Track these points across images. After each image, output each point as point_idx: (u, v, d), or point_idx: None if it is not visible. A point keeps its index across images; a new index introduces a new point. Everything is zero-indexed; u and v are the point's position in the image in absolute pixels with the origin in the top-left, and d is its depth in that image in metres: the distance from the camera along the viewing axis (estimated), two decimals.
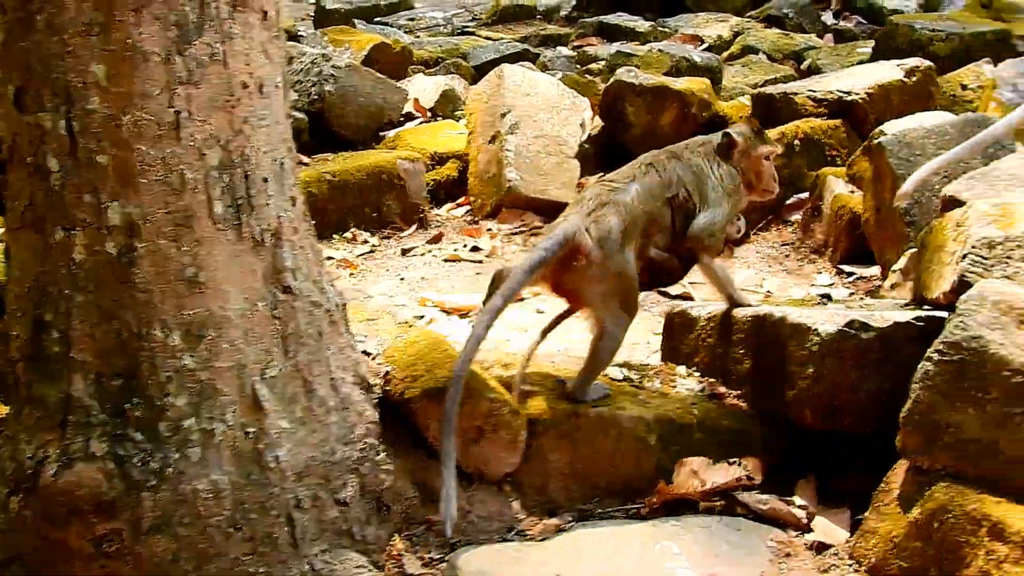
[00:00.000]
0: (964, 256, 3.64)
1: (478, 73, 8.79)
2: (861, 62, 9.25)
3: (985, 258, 3.61)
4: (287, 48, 7.76)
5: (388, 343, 3.84)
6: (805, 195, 6.48)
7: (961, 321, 3.35)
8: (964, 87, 7.77)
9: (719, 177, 4.12)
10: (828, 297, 4.82)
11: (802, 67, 9.73)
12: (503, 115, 6.99)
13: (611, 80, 7.26)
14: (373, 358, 3.79)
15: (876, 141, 5.60)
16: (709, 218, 4.05)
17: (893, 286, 5.06)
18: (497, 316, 3.61)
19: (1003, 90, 7.14)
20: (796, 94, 6.88)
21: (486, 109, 7.17)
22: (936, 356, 3.35)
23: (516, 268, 3.75)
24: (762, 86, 8.84)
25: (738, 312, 4.14)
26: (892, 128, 5.83)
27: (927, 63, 6.90)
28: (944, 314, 3.60)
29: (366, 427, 3.54)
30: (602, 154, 7.18)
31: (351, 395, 3.53)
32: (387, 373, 3.71)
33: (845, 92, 6.74)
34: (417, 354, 3.73)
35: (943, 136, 5.57)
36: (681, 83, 7.17)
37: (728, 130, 4.23)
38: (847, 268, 5.95)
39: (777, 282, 6.01)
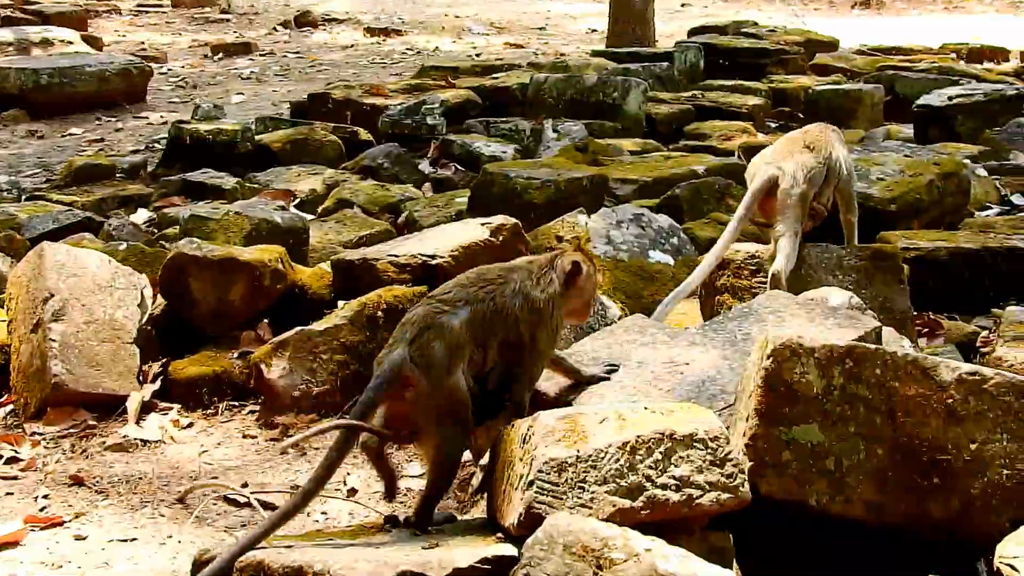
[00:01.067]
0: (531, 482, 3.01)
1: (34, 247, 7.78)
2: (459, 212, 8.81)
3: (555, 484, 3.00)
4: None
5: None
6: None
7: (527, 574, 2.69)
8: (560, 239, 7.37)
9: (556, 320, 3.96)
10: (395, 520, 4.10)
11: (399, 220, 9.18)
12: (45, 300, 6.02)
13: (172, 252, 6.44)
14: None
15: None
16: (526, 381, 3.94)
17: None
18: (336, 464, 3.63)
19: (597, 242, 6.78)
20: (377, 259, 6.23)
21: (27, 294, 6.18)
22: None
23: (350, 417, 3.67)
24: (355, 244, 8.25)
25: (274, 561, 3.36)
26: None
27: (512, 221, 6.39)
28: (516, 552, 2.95)
29: None
30: (166, 336, 6.30)
31: None
32: None
33: (429, 256, 6.14)
34: None
35: None
36: (251, 252, 6.41)
37: (575, 259, 4.07)
38: None
39: (363, 475, 5.29)
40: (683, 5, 27.21)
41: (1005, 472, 3.21)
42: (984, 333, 6.04)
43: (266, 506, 4.94)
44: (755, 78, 14.79)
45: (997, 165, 9.64)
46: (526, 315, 3.84)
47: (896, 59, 16.56)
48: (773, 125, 13.23)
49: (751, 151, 11.23)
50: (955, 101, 10.53)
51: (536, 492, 2.96)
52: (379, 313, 5.89)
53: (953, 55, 17.72)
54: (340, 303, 6.16)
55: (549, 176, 8.76)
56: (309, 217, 9.31)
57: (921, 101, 10.61)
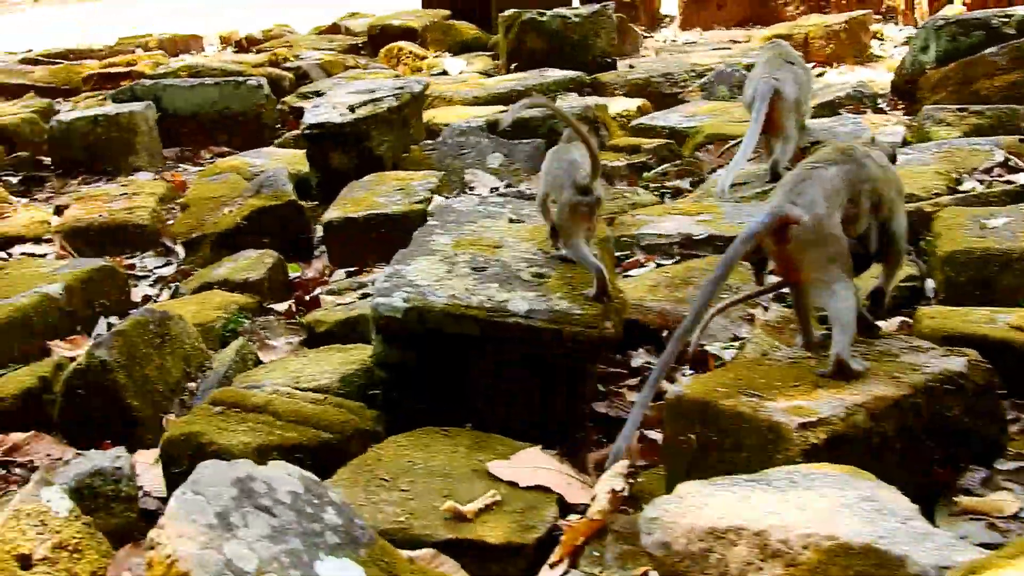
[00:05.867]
0: None
1: None
2: None
3: None
4: None
5: None
6: None
7: None
8: None
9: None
10: None
11: None
12: None
13: None
14: None
15: None
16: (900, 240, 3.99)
17: None
18: (720, 283, 3.62)
19: None
20: None
21: None
22: None
23: (733, 244, 3.65)
24: None
25: None
26: None
27: None
28: None
29: None
30: None
31: None
32: None
33: None
34: None
35: None
36: None
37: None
38: None
39: None
40: None
41: None
42: None
43: None
44: None
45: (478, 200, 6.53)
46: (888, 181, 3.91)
47: (92, 64, 12.97)
48: (15, 181, 9.01)
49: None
50: (361, 113, 7.11)
51: None
52: None
53: (140, 50, 14.60)
54: None
55: None
56: None
57: (312, 120, 7.00)
